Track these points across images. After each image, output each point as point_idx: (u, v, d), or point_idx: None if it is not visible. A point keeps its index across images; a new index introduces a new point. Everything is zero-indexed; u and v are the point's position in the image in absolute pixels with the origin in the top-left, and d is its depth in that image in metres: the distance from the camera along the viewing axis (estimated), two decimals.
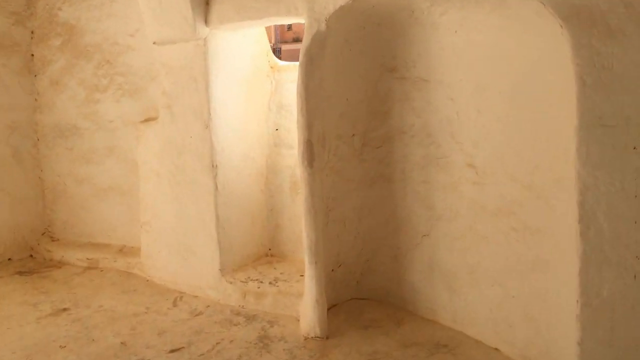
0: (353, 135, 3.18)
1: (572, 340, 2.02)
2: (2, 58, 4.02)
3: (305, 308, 2.90)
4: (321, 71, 2.86)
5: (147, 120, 3.74)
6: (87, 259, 3.97)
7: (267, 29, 3.71)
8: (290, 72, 3.56)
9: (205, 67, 3.22)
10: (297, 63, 3.60)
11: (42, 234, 4.29)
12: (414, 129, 3.04)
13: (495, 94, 2.61)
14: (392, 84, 3.09)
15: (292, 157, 3.56)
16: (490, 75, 2.61)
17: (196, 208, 3.38)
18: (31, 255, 4.20)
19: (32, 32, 4.17)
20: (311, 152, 2.84)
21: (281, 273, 3.39)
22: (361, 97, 3.16)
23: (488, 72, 2.62)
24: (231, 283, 3.27)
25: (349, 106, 3.15)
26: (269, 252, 3.69)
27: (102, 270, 3.88)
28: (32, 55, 4.19)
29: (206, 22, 3.15)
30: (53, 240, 4.25)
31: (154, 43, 3.35)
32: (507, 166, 2.59)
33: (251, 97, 3.55)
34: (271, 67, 3.65)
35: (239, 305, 3.19)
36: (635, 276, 1.91)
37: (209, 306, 3.24)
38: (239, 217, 3.47)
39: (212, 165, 3.30)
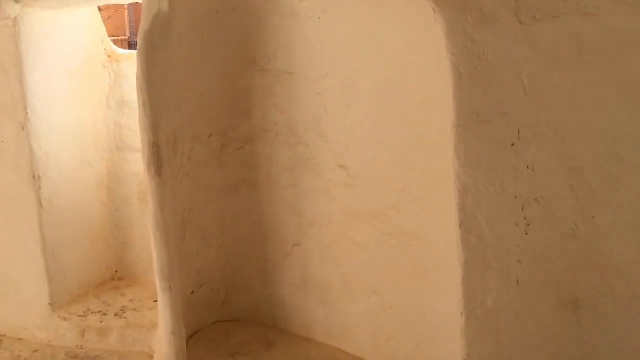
0: (210, 135, 2.77)
1: (457, 356, 1.86)
2: None
3: (159, 342, 2.44)
4: (167, 61, 2.41)
5: None
6: None
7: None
8: (133, 63, 3.01)
9: (17, 54, 2.57)
10: (133, 52, 3.10)
11: None
12: (278, 127, 2.72)
13: (366, 88, 2.40)
14: (252, 77, 2.74)
15: (139, 161, 3.03)
16: (360, 68, 2.39)
17: (15, 230, 2.71)
18: None
19: None
20: (159, 157, 2.38)
21: (130, 300, 2.87)
22: (218, 91, 2.77)
23: (357, 65, 2.40)
24: (65, 319, 2.67)
25: (205, 102, 2.74)
26: (116, 276, 3.13)
27: None
28: None
29: None
30: None
31: None
32: (380, 167, 2.39)
33: (84, 92, 2.95)
34: (108, 56, 3.08)
35: (77, 346, 2.61)
36: (518, 282, 1.80)
37: (36, 350, 2.62)
38: (74, 238, 2.86)
39: (34, 177, 2.66)
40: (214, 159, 2.80)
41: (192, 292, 2.74)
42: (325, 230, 2.63)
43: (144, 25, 2.27)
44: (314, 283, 2.68)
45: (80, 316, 2.70)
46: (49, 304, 2.69)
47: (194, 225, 2.74)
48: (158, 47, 2.33)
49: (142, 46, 2.28)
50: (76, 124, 2.90)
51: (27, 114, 2.62)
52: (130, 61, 3.03)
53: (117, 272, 3.12)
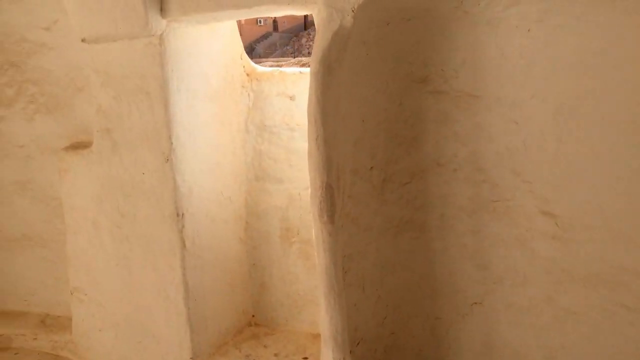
0: (371, 168, 2.35)
1: None
2: None
3: None
4: (339, 85, 2.01)
5: (74, 146, 2.69)
6: None
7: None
8: (274, 82, 2.66)
9: (162, 75, 2.25)
10: (281, 70, 2.73)
11: None
12: (457, 160, 2.26)
13: (592, 115, 1.89)
14: (423, 100, 2.28)
15: (282, 194, 2.67)
16: (587, 91, 1.88)
17: (154, 273, 2.41)
18: None
19: None
20: (332, 201, 1.98)
21: (275, 355, 2.50)
22: (381, 117, 2.33)
23: (581, 85, 1.89)
24: None
25: (366, 130, 2.31)
26: (253, 321, 2.78)
27: (16, 354, 2.80)
28: None
29: (162, 11, 2.18)
30: None
31: (82, 40, 2.33)
32: (609, 217, 1.87)
33: (224, 116, 2.61)
34: (247, 75, 2.72)
35: None
36: None
37: None
38: (214, 280, 2.53)
39: (177, 214, 2.34)
40: (375, 195, 2.37)
41: (350, 352, 2.33)
42: (519, 289, 2.14)
43: (321, 43, 1.87)
44: (502, 352, 2.20)
45: None
46: (191, 358, 2.37)
47: (352, 274, 2.33)
48: (334, 69, 1.92)
49: (317, 68, 1.88)
50: (216, 152, 2.57)
51: (172, 143, 2.30)
52: (272, 81, 2.66)
53: (253, 316, 2.77)
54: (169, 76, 2.26)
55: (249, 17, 2.17)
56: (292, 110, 2.62)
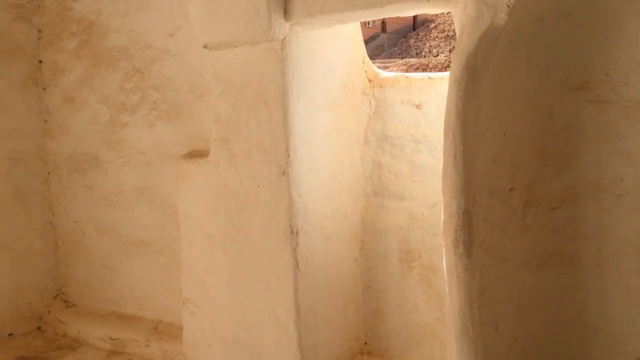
0: (511, 189, 2.02)
1: None
2: None
3: None
4: (482, 94, 1.72)
5: (191, 154, 2.65)
6: (111, 339, 2.93)
7: None
8: (399, 89, 2.41)
9: (282, 82, 2.10)
10: (407, 75, 2.48)
11: (54, 298, 3.28)
12: (623, 185, 1.87)
13: None
14: (581, 110, 1.92)
15: (402, 212, 2.42)
16: None
17: (265, 292, 2.28)
18: (39, 328, 3.18)
19: (39, 32, 3.14)
20: (469, 230, 1.70)
21: None
22: (525, 130, 2.00)
23: None
24: None
25: (507, 145, 1.99)
26: (365, 349, 2.56)
27: (130, 359, 2.83)
28: (40, 62, 3.17)
29: (286, 14, 2.03)
30: (68, 307, 3.23)
31: (204, 47, 2.26)
32: None
33: (343, 125, 2.42)
34: (369, 81, 2.51)
35: None
36: None
37: None
38: (326, 304, 2.35)
39: (291, 231, 2.19)
40: (514, 221, 2.04)
41: None
42: None
43: (466, 46, 1.60)
44: None
45: None
46: None
47: (484, 310, 2.02)
48: (479, 76, 1.64)
49: (460, 76, 1.61)
50: (334, 165, 2.38)
51: (289, 155, 2.15)
52: (396, 87, 2.43)
53: (366, 344, 2.55)
54: (290, 84, 2.11)
55: (378, 18, 1.95)
56: (418, 120, 2.36)
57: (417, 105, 2.36)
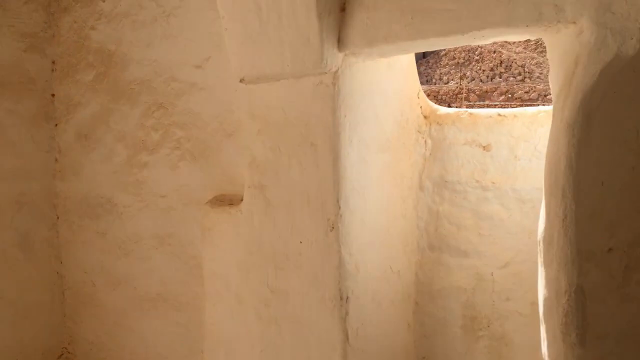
0: (609, 250, 1.65)
1: None
2: (7, 100, 2.71)
3: None
4: (596, 138, 1.39)
5: (219, 201, 2.33)
6: None
7: None
8: (461, 127, 2.09)
9: (333, 122, 1.79)
10: (472, 112, 2.16)
11: (59, 357, 2.92)
12: None
13: None
14: None
15: (466, 271, 2.07)
16: None
17: None
18: None
19: (53, 63, 2.87)
20: (584, 312, 1.35)
21: None
22: (626, 179, 1.65)
23: None
24: None
25: (605, 197, 1.64)
26: None
27: None
28: (53, 95, 2.89)
29: (340, 43, 1.73)
30: None
31: (240, 81, 1.96)
32: None
33: (396, 169, 2.09)
34: (425, 118, 2.19)
35: None
36: None
37: None
38: None
39: (341, 297, 1.84)
40: (613, 289, 1.68)
41: None
42: None
43: (583, 80, 1.27)
44: None
45: None
46: None
47: None
48: (594, 119, 1.31)
49: (575, 118, 1.28)
50: (386, 216, 2.05)
51: (340, 207, 1.82)
52: (458, 125, 2.10)
53: None
54: (341, 123, 1.80)
55: (454, 46, 1.64)
56: (486, 164, 2.03)
57: (484, 147, 2.04)
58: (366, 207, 1.93)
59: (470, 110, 2.10)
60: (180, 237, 2.56)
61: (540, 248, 1.45)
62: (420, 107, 2.20)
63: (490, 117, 2.03)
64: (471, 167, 2.07)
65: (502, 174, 1.99)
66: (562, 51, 1.38)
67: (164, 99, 2.58)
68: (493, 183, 2.02)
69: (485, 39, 1.52)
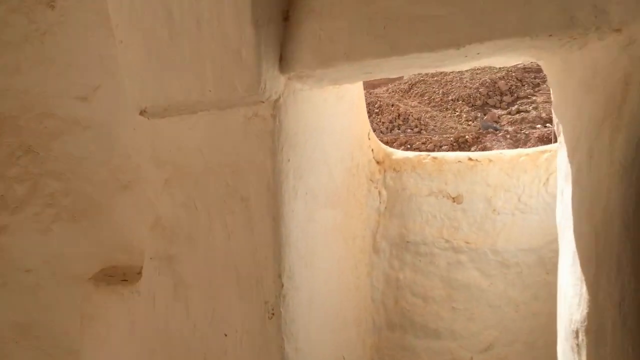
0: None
1: None
2: None
3: None
4: None
5: (107, 275, 1.73)
6: None
7: None
8: (424, 174, 1.71)
9: (273, 168, 1.31)
10: (435, 155, 1.80)
11: None
12: None
13: None
14: None
15: (439, 357, 1.64)
16: None
17: None
18: None
19: None
20: None
21: None
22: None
23: None
24: None
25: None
26: None
27: None
28: None
29: (282, 62, 1.28)
30: None
31: (141, 113, 1.42)
32: None
33: (346, 229, 1.65)
34: (378, 163, 1.79)
35: None
36: None
37: None
38: None
39: None
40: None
41: None
42: None
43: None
44: None
45: None
46: None
47: None
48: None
49: (632, 158, 0.92)
50: (338, 290, 1.58)
51: (283, 285, 1.31)
52: (420, 172, 1.71)
53: None
54: (284, 170, 1.32)
55: (442, 68, 1.26)
56: (457, 219, 1.65)
57: (454, 198, 1.66)
58: (315, 281, 1.45)
59: (433, 154, 1.72)
60: (51, 326, 1.87)
61: (578, 343, 1.04)
62: (372, 150, 1.79)
63: (460, 161, 1.66)
64: (438, 223, 1.67)
65: (478, 231, 1.62)
66: (590, 72, 1.04)
67: (34, 140, 1.94)
68: (467, 243, 1.63)
69: (482, 57, 1.15)
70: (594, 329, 0.97)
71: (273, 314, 1.32)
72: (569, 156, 1.13)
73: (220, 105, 1.32)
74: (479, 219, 1.61)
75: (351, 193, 1.68)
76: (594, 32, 0.96)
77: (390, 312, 1.73)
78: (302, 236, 1.39)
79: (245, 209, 1.34)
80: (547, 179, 1.51)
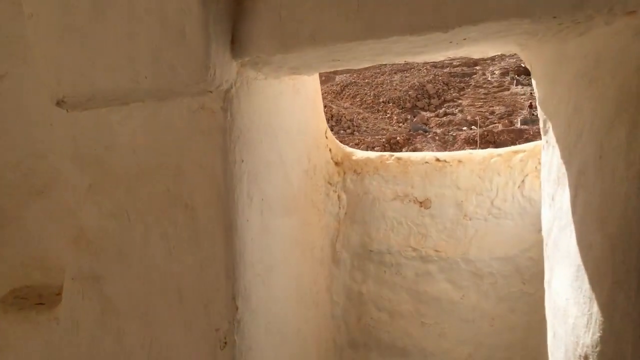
0: None
1: None
2: None
3: None
4: None
5: (18, 298, 1.44)
6: None
7: None
8: (388, 176, 1.56)
9: (223, 170, 1.10)
10: (399, 156, 1.65)
11: None
12: None
13: None
14: None
15: None
16: None
17: None
18: None
19: None
20: None
21: None
22: None
23: None
24: None
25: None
26: None
27: None
28: None
29: (234, 45, 1.07)
30: None
31: (58, 104, 1.16)
32: None
33: (304, 239, 1.46)
34: (336, 164, 1.62)
35: None
36: None
37: None
38: None
39: None
40: None
41: None
42: None
43: None
44: None
45: None
46: None
47: None
48: None
49: None
50: (297, 309, 1.39)
51: (237, 309, 1.11)
52: (383, 174, 1.56)
53: None
54: (236, 173, 1.12)
55: (425, 56, 1.10)
56: (425, 226, 1.51)
57: (421, 203, 1.52)
58: (273, 302, 1.25)
59: (397, 154, 1.57)
60: None
61: None
62: (330, 150, 1.62)
63: (427, 162, 1.52)
64: (405, 230, 1.53)
65: (448, 239, 1.48)
66: (592, 62, 0.92)
67: None
68: (437, 252, 1.50)
69: (466, 45, 1.00)
70: (610, 354, 0.85)
71: (226, 343, 1.11)
72: (563, 156, 1.01)
73: (159, 94, 1.09)
74: (449, 225, 1.48)
75: (309, 198, 1.50)
76: (605, 15, 0.83)
77: (352, 330, 1.57)
78: (259, 250, 1.19)
79: (191, 219, 1.13)
80: (523, 181, 1.40)
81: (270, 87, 1.24)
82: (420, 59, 1.12)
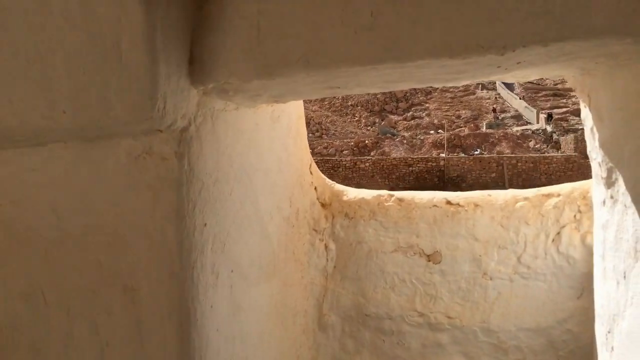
0: None
1: None
2: None
3: None
4: None
5: None
6: None
7: None
8: (387, 222, 1.26)
9: (177, 239, 0.79)
10: (400, 196, 1.36)
11: None
12: None
13: None
14: None
15: None
16: None
17: None
18: None
19: None
20: None
21: None
22: None
23: None
24: None
25: None
26: None
27: None
28: None
29: (193, 67, 0.76)
30: None
31: None
32: None
33: (284, 304, 1.15)
34: (323, 206, 1.31)
35: None
36: None
37: None
38: None
39: None
40: None
41: None
42: None
43: None
44: None
45: None
46: None
47: None
48: None
49: None
50: None
51: None
52: (380, 218, 1.27)
53: None
54: (197, 242, 0.81)
55: (457, 83, 0.82)
56: (434, 285, 1.23)
57: (428, 257, 1.23)
58: None
59: (399, 194, 1.28)
60: None
61: None
62: (316, 188, 1.32)
63: (436, 206, 1.24)
64: (409, 290, 1.24)
65: (463, 302, 1.20)
66: None
67: None
68: (449, 318, 1.21)
69: (525, 68, 0.73)
70: None
71: None
72: None
73: (85, 134, 0.77)
74: (464, 286, 1.20)
75: (290, 252, 1.20)
76: None
77: None
78: (226, 342, 0.88)
79: (132, 305, 0.81)
80: (558, 234, 1.13)
81: (243, 119, 0.93)
82: (449, 84, 0.84)
